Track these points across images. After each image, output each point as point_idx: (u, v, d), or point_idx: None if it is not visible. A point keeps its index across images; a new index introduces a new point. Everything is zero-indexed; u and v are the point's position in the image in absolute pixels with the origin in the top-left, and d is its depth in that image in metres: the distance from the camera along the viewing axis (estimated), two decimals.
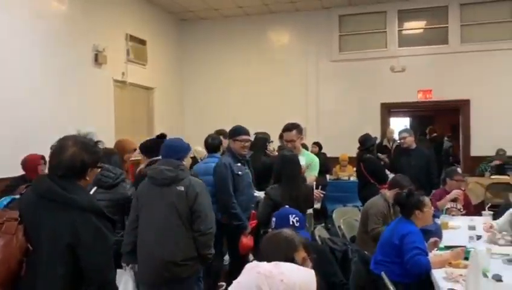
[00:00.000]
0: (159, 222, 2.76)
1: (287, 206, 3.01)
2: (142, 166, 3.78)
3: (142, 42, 8.13)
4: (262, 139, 5.37)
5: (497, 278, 2.60)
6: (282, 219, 2.80)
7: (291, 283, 1.27)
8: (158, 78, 8.70)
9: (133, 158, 4.18)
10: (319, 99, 9.35)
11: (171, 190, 2.76)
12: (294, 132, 4.12)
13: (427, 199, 3.20)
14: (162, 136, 3.76)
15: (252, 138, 4.48)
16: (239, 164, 3.90)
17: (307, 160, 4.13)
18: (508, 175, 7.32)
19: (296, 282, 1.29)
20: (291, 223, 2.71)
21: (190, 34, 9.82)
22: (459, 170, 4.68)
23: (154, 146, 3.52)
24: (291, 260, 1.74)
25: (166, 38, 9.26)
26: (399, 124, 10.55)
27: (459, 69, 8.56)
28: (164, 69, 9.09)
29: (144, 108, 8.44)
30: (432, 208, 3.36)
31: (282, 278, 1.27)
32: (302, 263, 1.77)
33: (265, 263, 1.33)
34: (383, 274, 2.76)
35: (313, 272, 1.35)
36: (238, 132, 3.97)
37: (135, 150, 4.09)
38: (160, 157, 3.04)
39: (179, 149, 2.96)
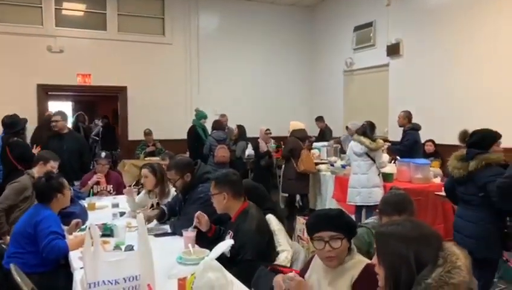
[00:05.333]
0: None
1: None
2: None
3: None
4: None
5: (129, 249, 2.82)
6: None
7: None
8: None
9: None
10: None
11: None
12: None
13: (65, 180, 3.14)
14: None
15: None
16: None
17: None
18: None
19: None
20: None
21: None
22: (103, 154, 4.87)
23: None
24: None
25: None
26: (61, 108, 10.08)
27: (116, 56, 8.90)
28: None
29: None
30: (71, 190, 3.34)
31: None
32: None
33: None
34: (12, 267, 2.52)
35: None
36: None
37: None
38: None
39: None
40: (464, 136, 3.40)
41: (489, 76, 6.52)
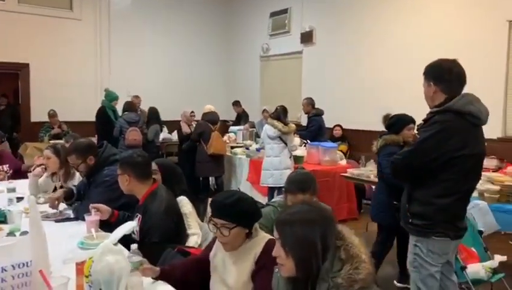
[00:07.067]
0: None
1: None
2: None
3: None
4: None
5: (24, 234, 2.63)
6: None
7: None
8: None
9: None
10: None
11: None
12: None
13: None
14: None
15: None
16: None
17: None
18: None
19: None
20: None
21: None
22: None
23: None
24: None
25: None
26: None
27: (17, 30, 8.17)
28: None
29: None
30: None
31: None
32: None
33: None
34: None
35: None
36: None
37: None
38: None
39: None
40: (385, 119, 3.89)
41: (399, 62, 6.88)
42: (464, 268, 3.01)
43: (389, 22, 7.10)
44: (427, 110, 2.46)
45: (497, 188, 3.83)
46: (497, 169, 4.77)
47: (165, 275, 2.04)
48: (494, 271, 3.16)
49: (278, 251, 1.43)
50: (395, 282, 3.92)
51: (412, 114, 3.91)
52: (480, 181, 2.82)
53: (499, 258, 3.23)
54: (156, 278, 2.02)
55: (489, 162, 4.75)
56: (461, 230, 2.45)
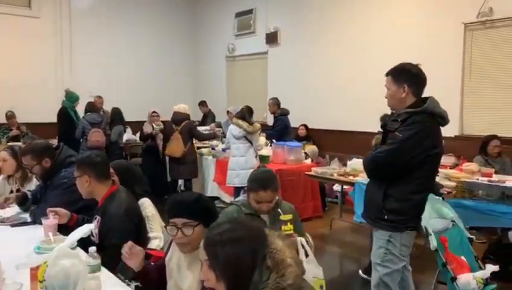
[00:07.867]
0: None
1: None
2: None
3: None
4: None
5: None
6: None
7: None
8: None
9: None
10: None
11: None
12: None
13: None
14: None
15: None
16: None
17: None
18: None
19: None
20: None
21: None
22: None
23: None
24: None
25: None
26: None
27: None
28: None
29: None
30: None
31: None
32: None
33: None
34: None
35: None
36: None
37: None
38: None
39: None
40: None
41: (363, 63, 6.97)
42: (454, 279, 2.82)
43: (352, 24, 7.24)
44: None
45: (454, 184, 3.98)
46: (454, 166, 4.95)
47: (144, 274, 2.00)
48: (486, 282, 2.91)
49: (206, 274, 1.33)
50: (360, 272, 4.00)
51: (377, 113, 4.00)
52: (437, 178, 2.94)
53: (491, 268, 2.96)
54: (136, 275, 1.98)
55: (446, 160, 4.92)
56: (420, 221, 2.60)
